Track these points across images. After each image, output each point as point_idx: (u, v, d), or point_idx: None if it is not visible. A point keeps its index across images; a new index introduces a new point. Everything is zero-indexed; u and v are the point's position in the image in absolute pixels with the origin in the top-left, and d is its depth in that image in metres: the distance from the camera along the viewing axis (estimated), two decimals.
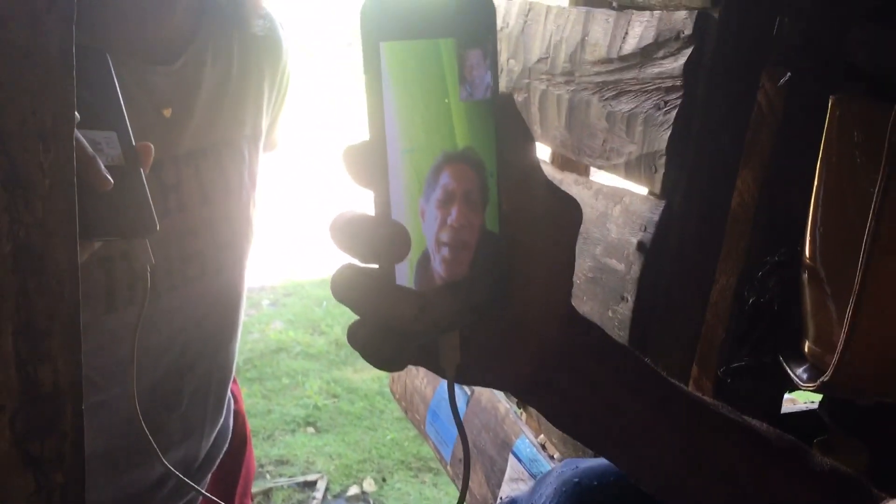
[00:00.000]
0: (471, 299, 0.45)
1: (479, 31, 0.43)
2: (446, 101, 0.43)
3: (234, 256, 1.14)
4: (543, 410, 0.55)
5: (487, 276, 0.46)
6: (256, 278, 4.61)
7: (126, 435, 1.02)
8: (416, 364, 0.50)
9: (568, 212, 0.49)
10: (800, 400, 1.30)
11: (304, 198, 6.01)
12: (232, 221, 1.12)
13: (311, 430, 3.47)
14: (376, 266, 0.43)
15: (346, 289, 0.43)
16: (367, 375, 3.90)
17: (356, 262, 0.43)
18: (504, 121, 0.46)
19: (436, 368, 0.48)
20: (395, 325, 0.43)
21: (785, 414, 1.17)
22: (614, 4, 1.14)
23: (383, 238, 0.41)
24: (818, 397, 1.20)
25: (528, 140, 0.47)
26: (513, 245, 0.47)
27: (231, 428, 1.32)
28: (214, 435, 1.24)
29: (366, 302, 0.43)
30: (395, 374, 1.63)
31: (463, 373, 0.48)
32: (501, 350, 0.50)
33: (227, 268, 1.13)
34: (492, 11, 0.44)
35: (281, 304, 4.57)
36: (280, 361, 3.97)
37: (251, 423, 3.52)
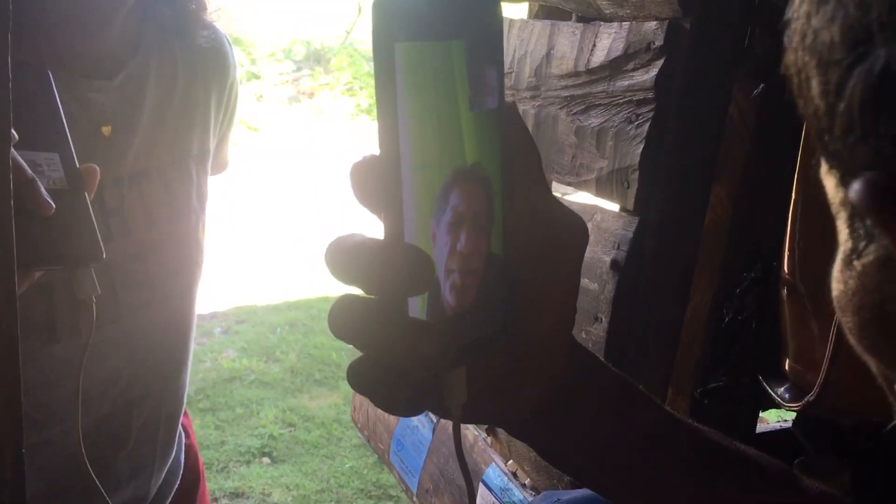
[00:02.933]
0: (480, 330, 0.41)
1: (487, 32, 0.39)
2: (457, 111, 0.38)
3: (183, 282, 1.08)
4: (536, 445, 0.51)
5: (495, 304, 0.42)
6: (207, 305, 4.50)
7: (70, 475, 0.95)
8: None
9: (575, 233, 0.45)
10: (770, 419, 1.28)
11: (253, 220, 5.91)
12: (180, 246, 1.06)
13: (266, 460, 3.38)
14: (382, 297, 0.38)
15: (353, 324, 0.38)
16: (323, 403, 3.82)
17: (356, 292, 0.38)
18: (509, 133, 0.41)
19: (438, 409, 0.43)
20: (416, 365, 0.37)
21: (759, 433, 1.15)
22: (573, 17, 1.12)
23: (404, 266, 0.36)
24: (790, 415, 1.18)
25: (535, 155, 0.43)
26: (518, 269, 0.43)
27: (182, 463, 1.25)
28: (165, 472, 1.17)
29: (379, 339, 0.37)
30: (357, 402, 1.57)
31: (466, 411, 0.43)
32: (506, 384, 0.45)
33: (177, 295, 1.07)
34: (499, 9, 0.40)
35: (233, 332, 4.47)
36: (233, 391, 3.87)
37: (204, 456, 3.41)
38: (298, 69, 10.28)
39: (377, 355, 0.38)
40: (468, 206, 0.39)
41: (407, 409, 0.40)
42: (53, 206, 0.72)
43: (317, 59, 10.66)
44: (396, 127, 0.36)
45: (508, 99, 0.42)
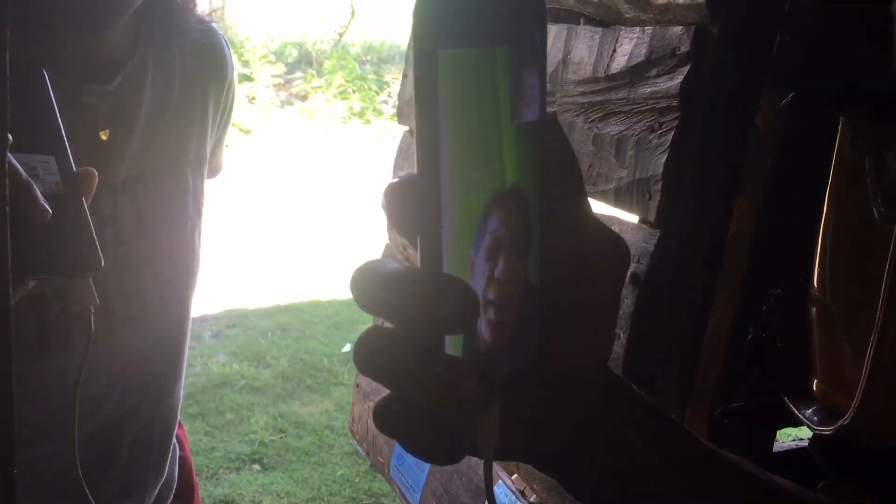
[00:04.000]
0: (515, 362, 0.37)
1: (532, 37, 0.35)
2: (499, 125, 0.34)
3: (178, 293, 1.04)
4: (567, 479, 0.48)
5: (530, 333, 0.38)
6: (198, 308, 4.41)
7: (58, 496, 0.91)
8: None
9: (616, 255, 0.41)
10: (784, 438, 1.24)
11: (245, 223, 5.85)
12: (176, 255, 1.02)
13: (256, 467, 3.32)
14: (417, 333, 0.34)
15: (384, 361, 0.34)
16: (314, 409, 3.77)
17: (383, 323, 0.34)
18: (551, 148, 0.38)
19: (468, 449, 0.40)
20: (454, 408, 0.34)
21: (775, 453, 1.11)
22: (581, 20, 1.08)
23: (449, 302, 0.32)
24: (805, 433, 1.15)
25: (577, 171, 0.39)
26: (555, 294, 0.39)
27: (176, 477, 1.21)
28: (159, 488, 1.13)
29: (415, 379, 0.33)
30: (356, 413, 1.53)
31: (497, 449, 0.39)
32: (539, 418, 0.41)
33: (171, 305, 1.03)
34: (543, 10, 0.36)
35: (224, 336, 4.41)
36: (223, 396, 3.81)
37: (193, 462, 3.35)
38: (290, 71, 10.23)
39: (410, 396, 0.34)
40: (507, 230, 0.36)
41: (445, 457, 0.36)
42: (50, 211, 0.68)
43: (309, 61, 10.61)
44: (438, 144, 0.32)
45: (549, 109, 0.38)
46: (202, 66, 1.04)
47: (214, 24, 1.08)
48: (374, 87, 9.75)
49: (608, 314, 0.42)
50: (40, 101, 0.76)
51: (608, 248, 0.42)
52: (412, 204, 0.33)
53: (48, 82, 0.77)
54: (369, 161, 7.73)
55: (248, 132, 8.17)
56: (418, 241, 0.33)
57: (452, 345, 0.34)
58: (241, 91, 8.67)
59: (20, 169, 0.66)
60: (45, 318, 0.85)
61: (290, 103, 9.53)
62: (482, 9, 0.33)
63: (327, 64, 10.05)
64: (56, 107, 0.77)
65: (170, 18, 0.98)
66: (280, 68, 9.92)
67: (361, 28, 11.70)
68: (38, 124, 0.75)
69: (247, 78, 9.11)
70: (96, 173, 0.75)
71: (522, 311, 0.37)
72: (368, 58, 11.13)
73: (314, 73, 10.11)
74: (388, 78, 10.06)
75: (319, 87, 9.70)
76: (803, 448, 1.14)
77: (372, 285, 0.34)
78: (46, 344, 0.86)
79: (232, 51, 1.15)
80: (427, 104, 0.31)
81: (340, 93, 9.58)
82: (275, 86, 9.62)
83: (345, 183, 7.12)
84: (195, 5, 1.01)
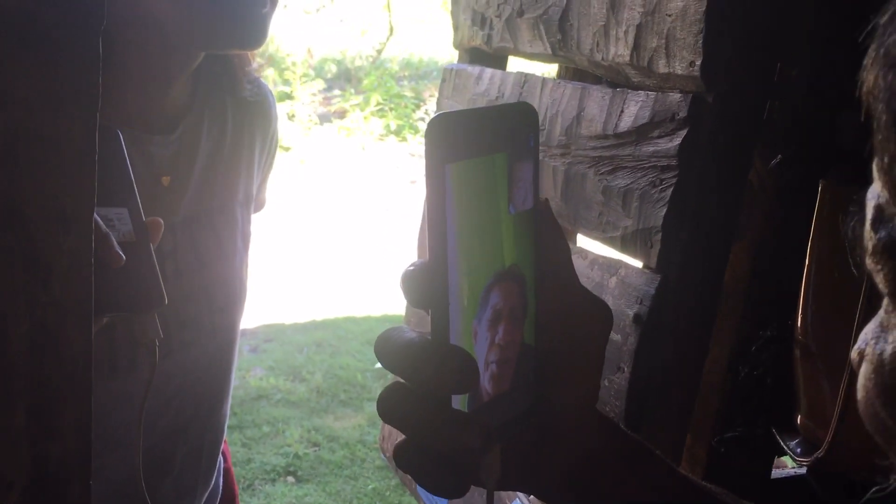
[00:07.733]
0: (513, 410, 0.46)
1: (525, 141, 0.44)
2: (499, 215, 0.43)
3: (228, 320, 1.15)
4: None
5: (526, 386, 0.47)
6: None
7: (121, 500, 1.02)
8: None
9: (600, 318, 0.50)
10: (789, 464, 1.32)
11: (282, 239, 5.99)
12: (226, 285, 1.14)
13: (291, 479, 3.43)
14: (421, 389, 0.42)
15: (401, 413, 0.43)
16: (347, 423, 3.87)
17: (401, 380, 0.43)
18: (542, 229, 0.46)
19: (474, 481, 0.48)
20: (458, 455, 0.42)
21: (775, 479, 1.19)
22: (604, 80, 1.18)
23: (453, 371, 0.41)
24: None
25: (565, 248, 0.49)
26: (547, 353, 0.48)
27: (221, 487, 1.32)
28: (206, 496, 1.24)
29: (425, 429, 0.42)
30: (387, 432, 1.63)
31: (500, 482, 0.48)
32: (536, 457, 0.50)
33: (222, 331, 1.14)
34: (535, 119, 0.45)
35: (261, 350, 4.54)
36: (260, 409, 3.93)
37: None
38: (329, 88, 10.39)
39: (423, 443, 0.43)
40: (505, 302, 0.44)
41: (453, 492, 0.45)
42: (124, 258, 0.78)
43: (348, 77, 10.77)
44: (445, 239, 0.40)
45: (541, 196, 0.47)
46: (251, 117, 1.16)
47: (262, 80, 1.20)
48: (412, 105, 9.87)
49: (593, 368, 0.51)
50: (117, 159, 0.87)
51: (593, 312, 0.51)
52: (425, 286, 0.42)
53: (123, 142, 0.88)
54: (404, 179, 7.86)
55: (287, 149, 8.34)
56: (429, 315, 0.42)
57: (460, 398, 0.43)
58: (281, 109, 8.81)
59: (101, 222, 0.78)
60: (114, 344, 0.97)
61: (329, 120, 9.69)
62: (485, 126, 0.42)
63: (366, 81, 10.20)
64: (129, 163, 0.88)
65: (226, 78, 1.10)
66: (319, 84, 10.09)
67: (399, 43, 11.85)
68: (114, 180, 0.86)
69: (287, 96, 9.29)
70: (162, 223, 0.86)
71: (520, 368, 0.46)
72: (406, 73, 11.27)
73: (353, 90, 10.26)
74: (425, 95, 10.19)
75: (357, 104, 9.85)
76: (803, 475, 1.21)
77: (391, 352, 0.43)
78: (115, 367, 0.97)
79: (272, 68, 1.26)
80: (436, 208, 0.40)
81: (378, 110, 9.71)
82: (313, 103, 9.79)
83: (380, 200, 7.25)
84: (250, 65, 1.13)
